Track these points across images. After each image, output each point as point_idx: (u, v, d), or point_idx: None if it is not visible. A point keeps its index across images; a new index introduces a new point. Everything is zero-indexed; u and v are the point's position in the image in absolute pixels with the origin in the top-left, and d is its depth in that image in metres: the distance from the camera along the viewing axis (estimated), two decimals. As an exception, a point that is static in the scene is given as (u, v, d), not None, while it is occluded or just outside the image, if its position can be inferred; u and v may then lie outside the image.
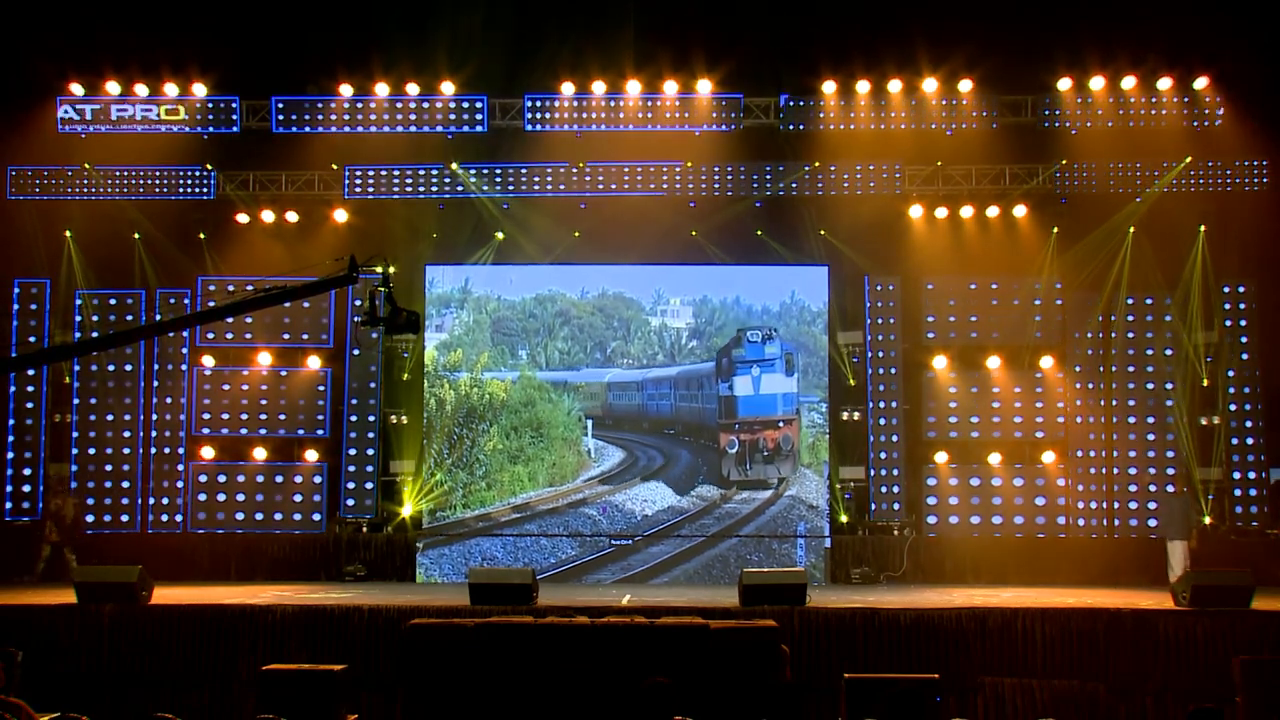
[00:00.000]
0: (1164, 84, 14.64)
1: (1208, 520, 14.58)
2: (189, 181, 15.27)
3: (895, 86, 14.76)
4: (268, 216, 15.23)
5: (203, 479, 15.08)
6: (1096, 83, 14.70)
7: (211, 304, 14.95)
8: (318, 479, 15.12)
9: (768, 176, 15.23)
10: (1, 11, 13.89)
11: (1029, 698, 10.06)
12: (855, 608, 10.57)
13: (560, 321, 15.24)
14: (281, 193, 15.36)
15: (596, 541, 14.69)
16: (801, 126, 15.02)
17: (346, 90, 14.92)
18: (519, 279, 15.28)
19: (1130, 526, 14.77)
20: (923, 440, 15.11)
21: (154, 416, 15.18)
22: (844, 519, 14.87)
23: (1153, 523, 14.70)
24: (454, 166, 15.18)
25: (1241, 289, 15.05)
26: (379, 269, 11.87)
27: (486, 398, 15.02)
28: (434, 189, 15.32)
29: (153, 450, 15.13)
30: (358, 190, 15.30)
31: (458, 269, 15.33)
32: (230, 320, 15.14)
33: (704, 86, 14.79)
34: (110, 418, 15.17)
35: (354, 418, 15.24)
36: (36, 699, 7.40)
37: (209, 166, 15.17)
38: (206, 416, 15.20)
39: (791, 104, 14.97)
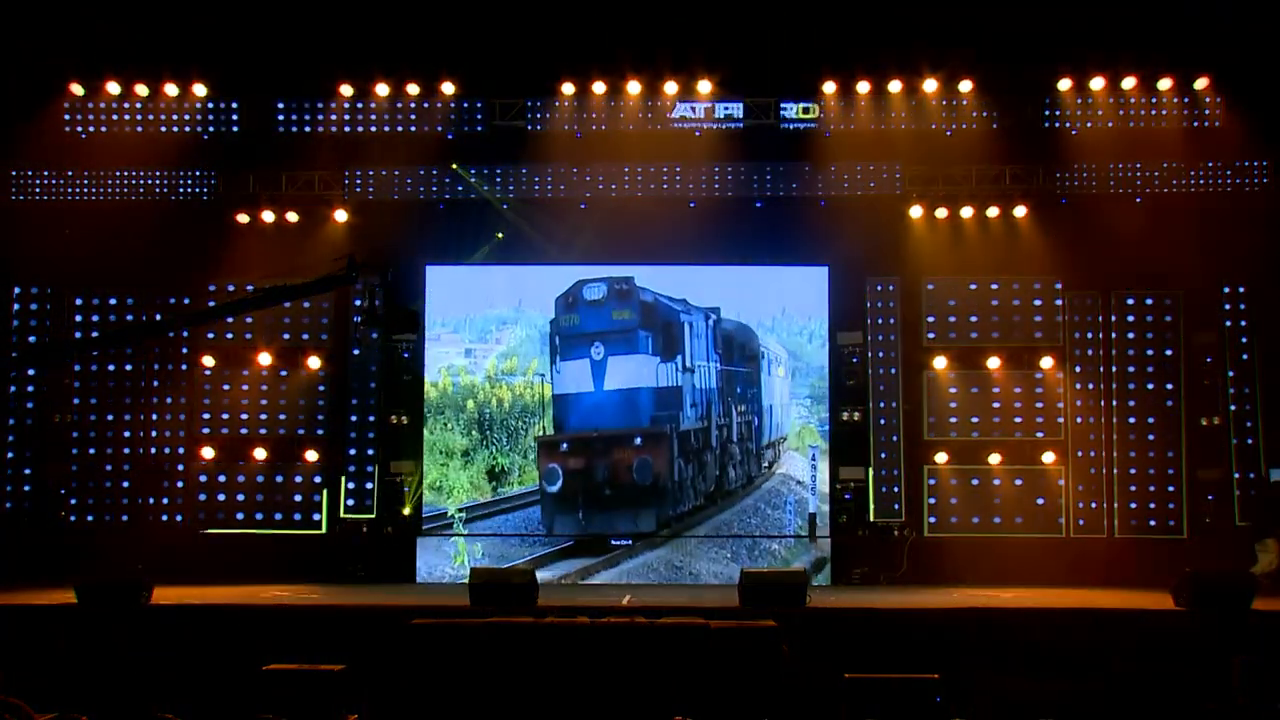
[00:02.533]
0: (1164, 84, 14.65)
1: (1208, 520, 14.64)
2: (189, 182, 15.26)
3: (895, 87, 14.77)
4: (268, 216, 15.22)
5: (203, 479, 15.08)
6: (1096, 83, 14.70)
7: (211, 304, 14.99)
8: (318, 479, 15.12)
9: (768, 176, 15.23)
10: (1, 12, 13.87)
11: (1029, 698, 10.06)
12: (855, 608, 10.57)
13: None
14: (281, 193, 15.34)
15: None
16: (801, 126, 15.03)
17: (346, 90, 14.92)
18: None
19: (1130, 527, 14.76)
20: (923, 440, 15.09)
21: (154, 416, 15.18)
22: (844, 519, 14.85)
23: (1153, 523, 14.73)
24: (454, 167, 15.19)
25: (1241, 289, 15.04)
26: (378, 270, 11.94)
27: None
28: (434, 189, 15.32)
29: (153, 450, 15.13)
30: (358, 190, 15.31)
31: (459, 269, 15.32)
32: (230, 320, 15.17)
33: (704, 87, 14.80)
34: (110, 418, 15.16)
35: (354, 418, 15.24)
36: (36, 699, 7.39)
37: (209, 168, 15.17)
38: (206, 416, 15.20)
39: (792, 104, 14.97)
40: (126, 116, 15.02)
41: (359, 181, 15.30)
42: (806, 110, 14.80)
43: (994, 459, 14.96)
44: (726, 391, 14.76)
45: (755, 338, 15.04)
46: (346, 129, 15.05)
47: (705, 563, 14.16)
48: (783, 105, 14.87)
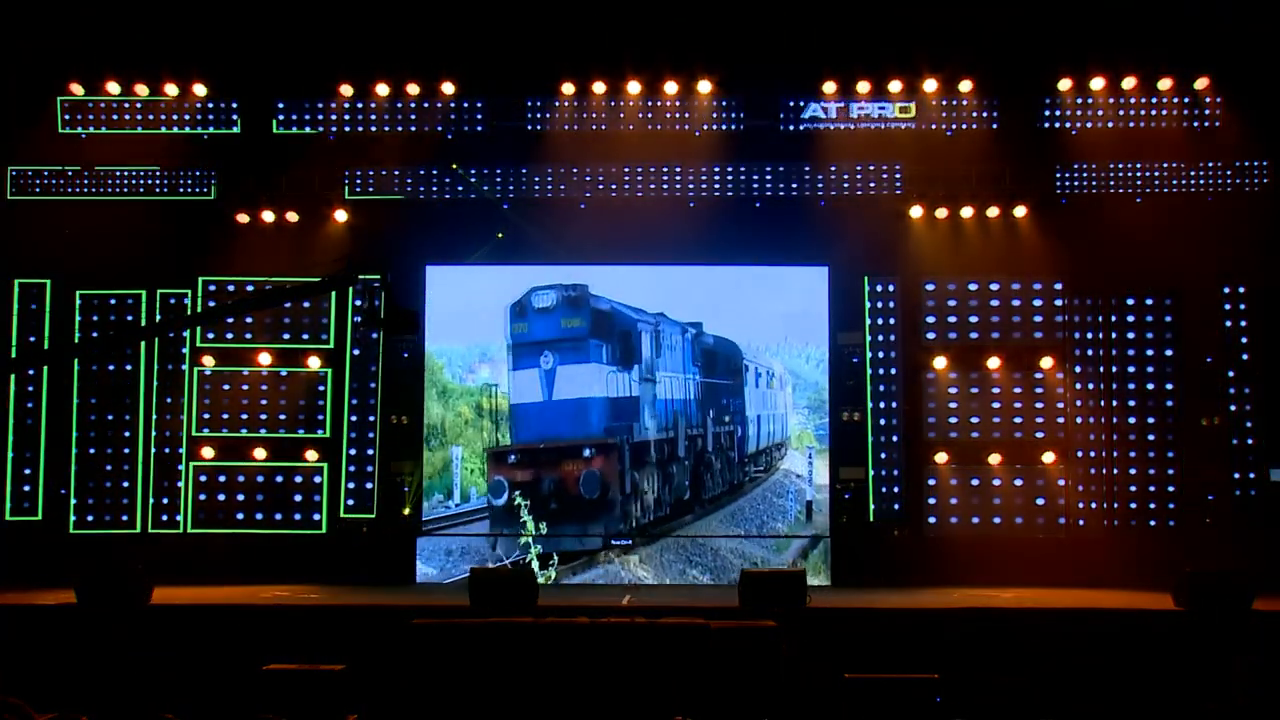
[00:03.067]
0: (1164, 84, 14.65)
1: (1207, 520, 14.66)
2: (189, 182, 15.27)
3: (895, 87, 14.78)
4: (268, 216, 15.22)
5: (203, 479, 15.09)
6: (1097, 83, 14.70)
7: (211, 304, 15.00)
8: (318, 479, 15.13)
9: (768, 176, 15.24)
10: (1, 11, 13.89)
11: (1029, 698, 10.06)
12: (855, 608, 10.58)
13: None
14: (281, 193, 15.33)
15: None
16: (801, 127, 15.04)
17: (346, 90, 14.94)
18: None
19: (1130, 527, 14.76)
20: (923, 440, 15.09)
21: (154, 416, 15.19)
22: (844, 519, 14.87)
23: (1153, 523, 14.73)
24: (454, 167, 15.19)
25: (1241, 289, 15.04)
26: (377, 270, 11.93)
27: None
28: (434, 189, 15.33)
29: (153, 450, 15.14)
30: (358, 190, 15.31)
31: (459, 269, 15.33)
32: (230, 320, 15.19)
33: (704, 87, 14.81)
34: (110, 418, 15.18)
35: (354, 418, 15.25)
36: (36, 699, 7.40)
37: (208, 167, 15.18)
38: (206, 416, 15.21)
39: (791, 104, 14.98)
40: (126, 116, 15.04)
41: (359, 181, 15.30)
42: (904, 109, 14.78)
43: (994, 459, 14.96)
44: (706, 403, 15.01)
45: (739, 352, 15.24)
46: (346, 129, 15.07)
47: (722, 539, 14.59)
48: (881, 105, 14.86)
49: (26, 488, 15.06)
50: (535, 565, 13.91)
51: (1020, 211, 15.09)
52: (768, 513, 15.12)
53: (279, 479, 15.14)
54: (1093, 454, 14.96)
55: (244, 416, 15.22)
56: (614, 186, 15.20)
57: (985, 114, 14.83)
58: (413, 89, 14.92)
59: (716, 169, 15.17)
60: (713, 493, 14.86)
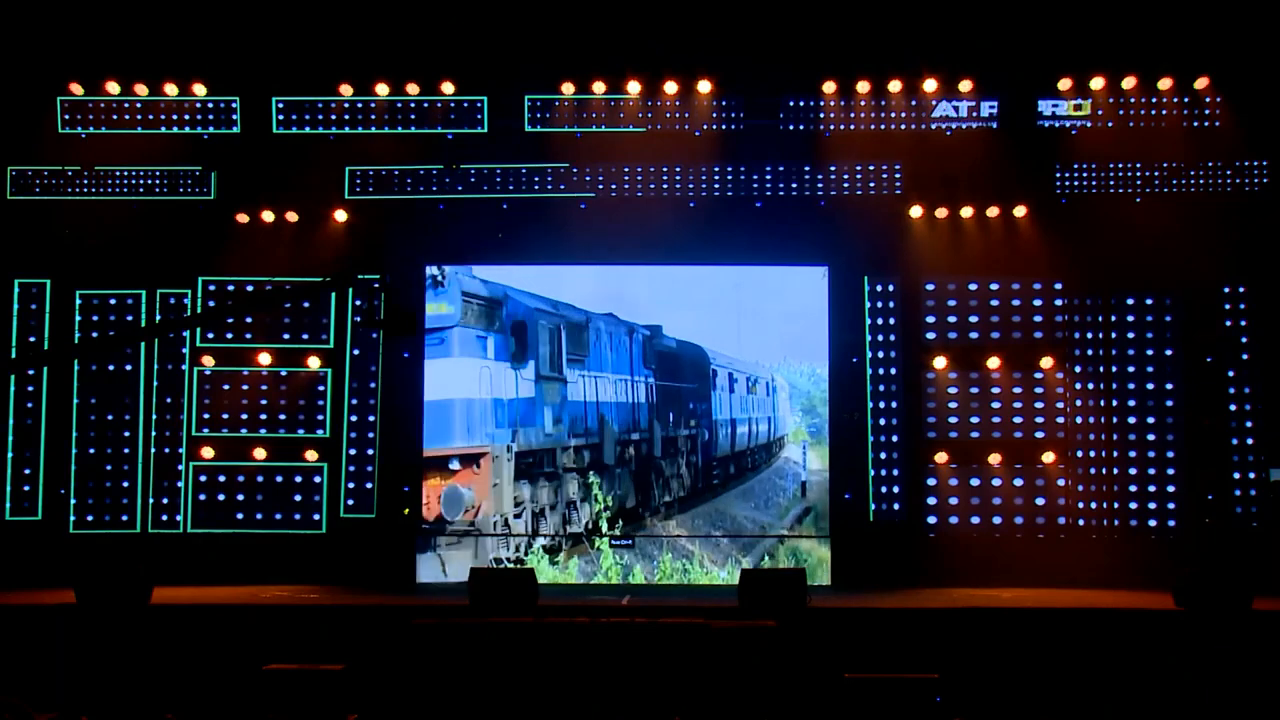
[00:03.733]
0: (1164, 84, 14.66)
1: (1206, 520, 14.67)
2: (189, 182, 15.28)
3: (895, 86, 14.78)
4: (268, 216, 15.23)
5: (203, 479, 15.10)
6: (1096, 83, 14.71)
7: (211, 304, 15.02)
8: (317, 479, 15.14)
9: (768, 176, 15.24)
10: (1, 11, 13.89)
11: (1029, 697, 10.07)
12: (855, 608, 10.58)
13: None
14: (281, 192, 15.34)
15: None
16: (801, 126, 15.04)
17: (346, 90, 14.95)
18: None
19: (1130, 527, 14.77)
20: (923, 440, 15.10)
21: (154, 416, 15.20)
22: (844, 520, 14.89)
23: (1153, 523, 14.74)
24: (454, 167, 15.20)
25: (1241, 289, 15.04)
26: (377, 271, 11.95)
27: None
28: (434, 189, 15.33)
29: (153, 450, 15.15)
30: (358, 190, 15.32)
31: (458, 269, 15.32)
32: (230, 320, 15.20)
33: (704, 87, 14.82)
34: (110, 418, 15.18)
35: (354, 418, 15.25)
36: (36, 699, 7.41)
37: (208, 167, 15.19)
38: (206, 416, 15.21)
39: (792, 104, 14.99)
40: (126, 116, 15.04)
41: (359, 181, 15.31)
42: (1078, 107, 14.73)
43: (994, 459, 14.96)
44: (661, 406, 15.08)
45: (706, 356, 15.31)
46: (346, 129, 15.08)
47: (739, 509, 15.04)
48: (1055, 103, 14.81)
49: (26, 488, 15.07)
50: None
51: (1020, 211, 15.10)
52: (772, 491, 15.45)
53: (279, 479, 15.14)
54: (1093, 454, 14.95)
55: (244, 416, 15.22)
56: (614, 186, 15.21)
57: (984, 114, 14.81)
58: (413, 89, 14.93)
59: (716, 169, 15.17)
60: (664, 500, 14.90)
